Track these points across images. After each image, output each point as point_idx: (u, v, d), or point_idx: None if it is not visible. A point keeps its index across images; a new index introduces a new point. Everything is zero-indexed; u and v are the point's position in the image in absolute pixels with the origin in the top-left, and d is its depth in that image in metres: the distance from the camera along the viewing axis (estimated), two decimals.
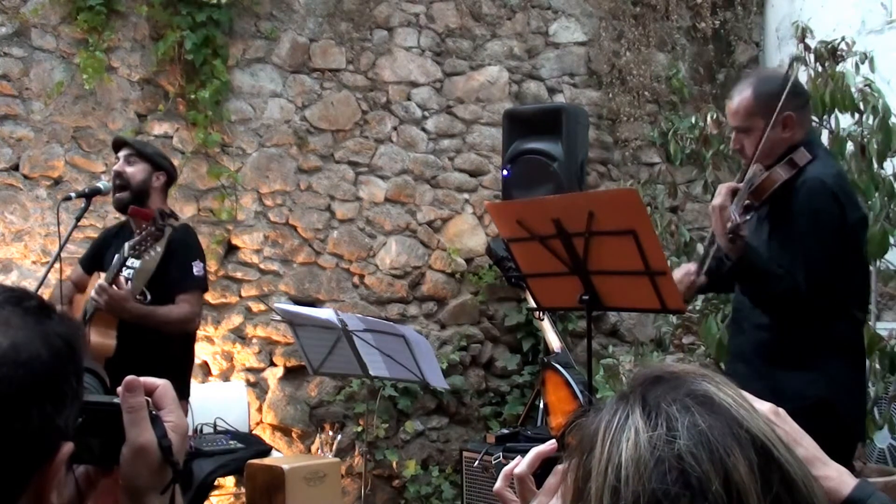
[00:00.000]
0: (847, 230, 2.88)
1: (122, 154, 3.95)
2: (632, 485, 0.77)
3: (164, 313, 3.77)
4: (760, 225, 3.01)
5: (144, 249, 3.56)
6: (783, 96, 2.91)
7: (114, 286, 3.60)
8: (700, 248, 4.30)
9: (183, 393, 3.98)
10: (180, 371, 3.98)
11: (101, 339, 3.70)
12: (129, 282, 3.73)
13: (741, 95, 3.01)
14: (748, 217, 2.78)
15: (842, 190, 2.92)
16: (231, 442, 4.83)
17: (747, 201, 2.84)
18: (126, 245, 3.59)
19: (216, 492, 4.96)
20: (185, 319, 3.84)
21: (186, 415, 3.99)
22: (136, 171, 3.91)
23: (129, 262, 3.78)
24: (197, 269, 3.88)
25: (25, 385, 0.91)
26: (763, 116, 2.94)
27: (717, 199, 2.85)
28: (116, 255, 3.86)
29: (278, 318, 4.97)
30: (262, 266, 5.53)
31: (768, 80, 3.07)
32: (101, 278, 3.72)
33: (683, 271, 3.15)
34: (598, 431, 0.83)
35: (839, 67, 4.57)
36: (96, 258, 4.04)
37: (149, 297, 3.77)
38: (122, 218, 4.12)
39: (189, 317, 3.85)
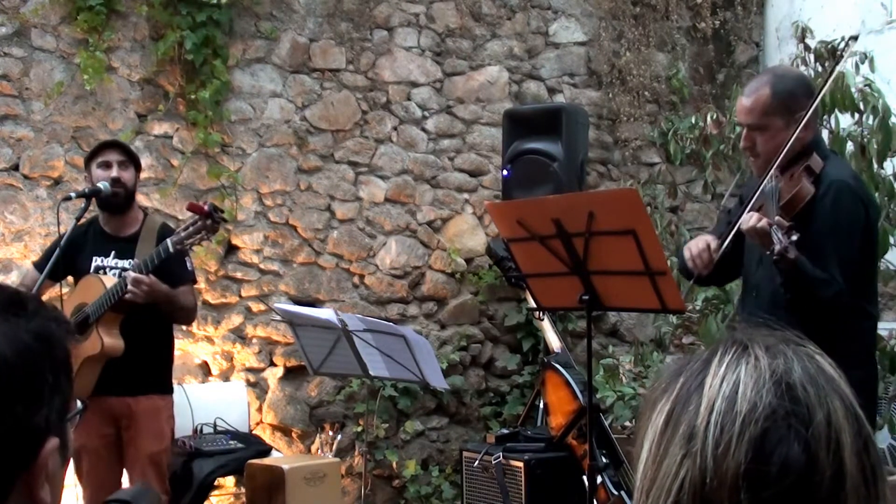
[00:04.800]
0: (869, 233, 2.91)
1: (113, 158, 3.93)
2: (749, 395, 0.83)
3: (184, 299, 3.91)
4: None
5: (196, 242, 3.68)
6: (814, 101, 2.90)
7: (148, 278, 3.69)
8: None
9: (171, 389, 4.04)
10: (168, 367, 4.05)
11: (113, 339, 3.77)
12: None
13: (758, 93, 2.96)
14: (794, 238, 2.66)
15: (862, 190, 2.95)
16: (231, 442, 4.83)
17: (787, 222, 2.71)
18: (168, 240, 3.67)
19: (216, 492, 4.96)
20: (194, 309, 4.06)
21: (173, 412, 4.04)
22: (130, 175, 3.96)
23: (115, 263, 3.83)
24: (190, 263, 4.01)
25: None
26: (780, 115, 2.91)
27: (756, 221, 2.73)
28: (100, 256, 3.90)
29: (278, 318, 4.97)
30: (262, 266, 5.52)
31: (785, 78, 3.04)
32: (105, 280, 3.74)
33: (703, 243, 3.04)
34: (711, 359, 0.88)
35: (839, 67, 4.57)
36: (63, 261, 3.83)
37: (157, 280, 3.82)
38: (99, 217, 4.06)
39: (195, 305, 4.08)
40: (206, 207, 3.63)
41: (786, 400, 0.82)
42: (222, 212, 3.76)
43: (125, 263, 3.83)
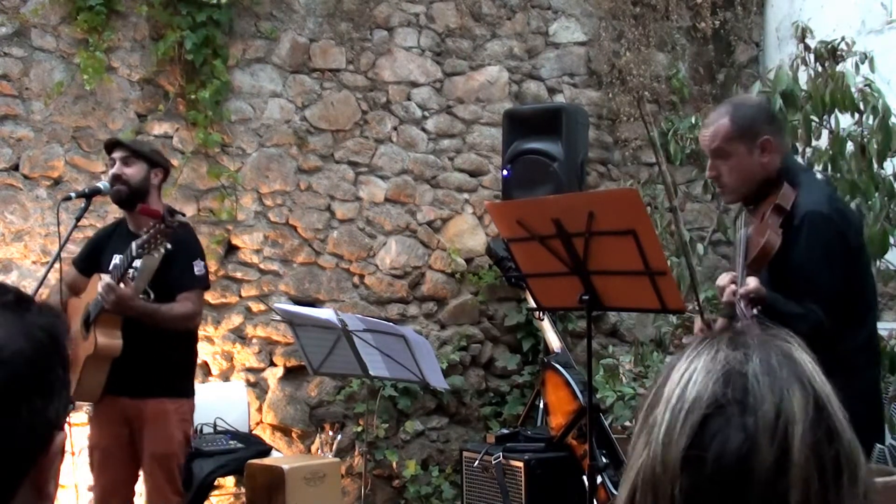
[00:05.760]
0: (851, 254, 2.93)
1: (117, 156, 3.93)
2: (697, 385, 0.86)
3: (167, 310, 3.79)
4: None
5: (154, 247, 3.57)
6: (761, 120, 2.99)
7: (121, 285, 3.61)
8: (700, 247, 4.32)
9: (187, 392, 3.99)
10: (183, 371, 4.01)
11: (108, 339, 3.72)
12: (133, 281, 3.73)
13: (717, 122, 3.02)
14: (755, 311, 2.74)
15: (838, 215, 2.95)
16: (231, 442, 4.83)
17: (751, 293, 2.77)
18: (133, 244, 3.60)
19: (216, 492, 4.96)
20: (187, 316, 3.85)
21: (192, 414, 4.01)
22: (134, 171, 3.91)
23: (136, 262, 3.79)
24: (198, 268, 3.90)
25: (11, 382, 0.90)
26: (742, 142, 2.96)
27: (727, 294, 2.83)
28: (120, 255, 3.87)
29: (278, 318, 4.97)
30: (262, 266, 5.52)
31: (743, 105, 3.11)
32: (103, 278, 3.71)
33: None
34: (682, 355, 0.92)
35: (839, 67, 4.57)
36: (93, 259, 4.01)
37: (152, 295, 3.78)
38: (119, 217, 4.11)
39: (191, 314, 3.87)
40: (160, 211, 3.59)
41: (731, 389, 0.85)
42: (181, 214, 3.69)
43: (137, 262, 3.80)
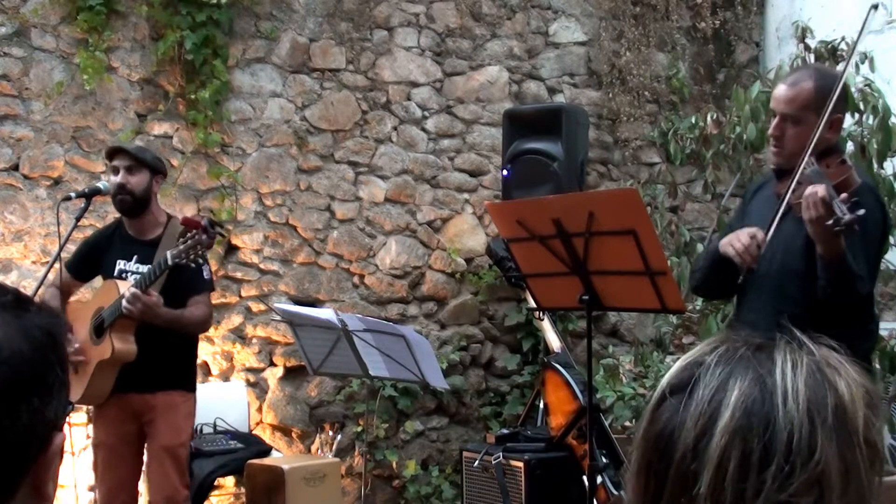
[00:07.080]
0: (884, 234, 2.96)
1: (120, 164, 3.91)
2: (669, 371, 0.91)
3: (189, 315, 3.84)
4: (799, 225, 2.83)
5: (192, 257, 3.59)
6: (834, 96, 2.88)
7: (146, 294, 3.63)
8: (700, 247, 4.30)
9: (193, 387, 4.05)
10: (188, 366, 4.05)
11: (124, 344, 3.75)
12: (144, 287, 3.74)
13: (800, 85, 2.93)
14: (859, 213, 2.55)
15: (879, 193, 3.00)
16: (231, 442, 4.83)
17: (844, 197, 2.62)
18: (168, 253, 3.61)
19: (216, 492, 4.96)
20: (205, 320, 3.94)
21: (195, 409, 4.04)
22: (139, 180, 3.90)
23: (136, 268, 3.81)
24: (206, 272, 3.92)
25: (10, 382, 0.90)
26: (816, 112, 2.88)
27: (821, 190, 2.61)
28: (124, 260, 3.89)
29: (278, 318, 4.97)
30: (262, 266, 5.52)
31: (828, 77, 3.00)
32: (120, 285, 3.72)
33: (746, 237, 2.86)
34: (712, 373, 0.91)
35: (839, 67, 4.57)
36: (89, 263, 4.02)
37: (161, 300, 3.78)
38: (115, 219, 4.12)
39: (208, 318, 3.96)
40: (202, 222, 3.60)
41: (687, 376, 0.90)
42: (220, 226, 3.73)
43: (145, 268, 3.81)
